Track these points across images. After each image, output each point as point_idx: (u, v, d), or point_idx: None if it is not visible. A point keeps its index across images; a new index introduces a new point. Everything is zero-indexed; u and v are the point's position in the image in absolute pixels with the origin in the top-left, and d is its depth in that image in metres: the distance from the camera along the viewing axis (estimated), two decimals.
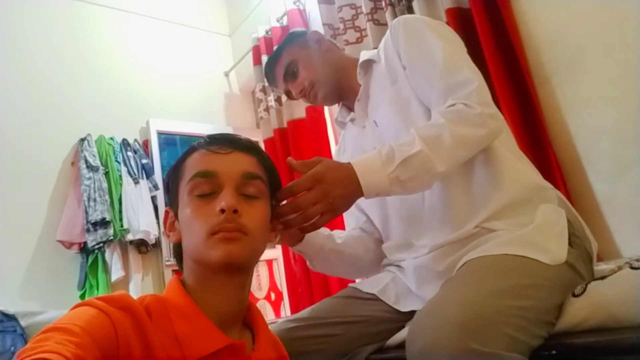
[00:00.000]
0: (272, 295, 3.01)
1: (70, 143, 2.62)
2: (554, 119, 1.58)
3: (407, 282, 1.03)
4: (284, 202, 0.84)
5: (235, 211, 0.68)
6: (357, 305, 1.03)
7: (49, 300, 2.28)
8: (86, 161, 2.52)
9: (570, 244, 0.86)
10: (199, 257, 0.69)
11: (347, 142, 1.25)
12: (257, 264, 3.03)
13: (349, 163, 0.86)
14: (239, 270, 0.71)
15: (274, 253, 3.10)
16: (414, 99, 1.03)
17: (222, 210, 0.67)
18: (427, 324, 0.69)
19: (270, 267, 3.09)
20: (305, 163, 0.85)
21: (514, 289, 0.73)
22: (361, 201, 0.92)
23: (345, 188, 0.84)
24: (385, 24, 2.02)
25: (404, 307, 1.01)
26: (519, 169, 0.97)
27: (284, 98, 2.69)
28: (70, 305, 0.61)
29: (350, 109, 1.22)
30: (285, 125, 2.69)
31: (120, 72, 2.93)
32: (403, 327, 1.00)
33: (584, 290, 0.77)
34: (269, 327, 0.83)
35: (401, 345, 0.97)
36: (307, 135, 2.55)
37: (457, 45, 1.03)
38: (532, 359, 0.68)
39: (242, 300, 0.74)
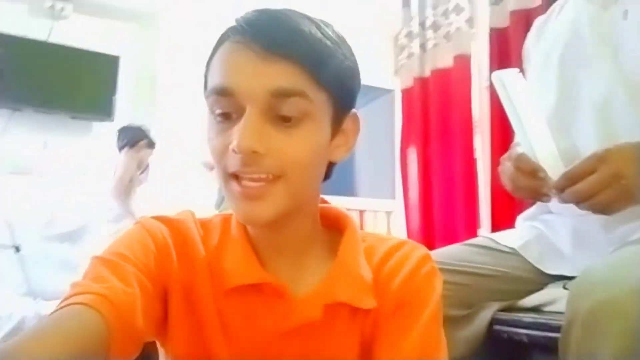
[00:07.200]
0: None
1: None
2: None
3: (556, 242, 0.91)
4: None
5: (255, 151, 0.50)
6: (492, 257, 0.93)
7: None
8: None
9: None
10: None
11: (571, 24, 0.92)
12: (376, 215, 2.93)
13: None
14: (278, 224, 0.54)
15: (392, 204, 3.05)
16: None
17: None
18: (602, 282, 0.61)
19: (389, 220, 3.06)
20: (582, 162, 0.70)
21: None
22: None
23: None
24: None
25: (550, 269, 0.90)
26: None
27: (429, 45, 2.47)
28: None
29: None
30: (427, 74, 2.47)
31: None
32: (542, 289, 0.90)
33: None
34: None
35: (535, 308, 0.89)
36: (452, 88, 2.34)
37: None
38: None
39: (301, 228, 0.59)
